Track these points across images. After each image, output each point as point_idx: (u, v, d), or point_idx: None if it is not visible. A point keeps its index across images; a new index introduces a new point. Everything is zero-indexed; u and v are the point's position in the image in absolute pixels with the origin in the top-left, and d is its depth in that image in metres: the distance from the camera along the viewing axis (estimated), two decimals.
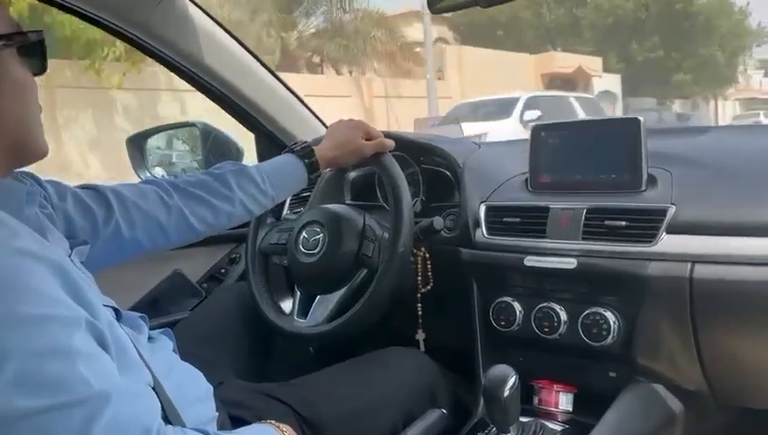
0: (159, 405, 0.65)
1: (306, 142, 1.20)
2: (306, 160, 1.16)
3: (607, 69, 26.91)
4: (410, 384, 1.10)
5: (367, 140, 1.22)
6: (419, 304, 1.26)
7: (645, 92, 29.35)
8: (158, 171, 1.66)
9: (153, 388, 0.69)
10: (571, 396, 1.15)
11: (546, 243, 1.15)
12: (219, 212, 1.04)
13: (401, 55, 17.27)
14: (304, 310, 1.25)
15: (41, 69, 0.77)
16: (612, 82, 27.24)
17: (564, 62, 23.91)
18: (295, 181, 1.17)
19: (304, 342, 1.31)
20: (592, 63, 25.33)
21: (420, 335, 1.29)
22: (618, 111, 25.92)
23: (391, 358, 1.16)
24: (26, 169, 0.80)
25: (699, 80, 29.67)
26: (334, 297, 1.22)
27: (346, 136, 1.22)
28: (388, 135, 1.27)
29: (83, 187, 0.95)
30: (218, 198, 1.04)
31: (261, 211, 1.13)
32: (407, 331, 1.29)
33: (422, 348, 1.28)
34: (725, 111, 35.74)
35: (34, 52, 0.75)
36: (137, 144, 1.64)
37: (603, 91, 26.29)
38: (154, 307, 1.50)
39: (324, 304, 1.22)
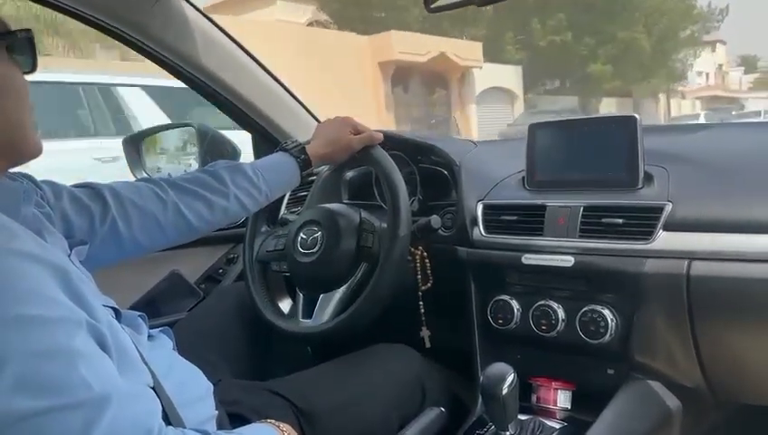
0: (160, 406, 0.65)
1: (298, 141, 1.22)
2: (299, 158, 1.18)
3: (502, 59, 21.17)
4: (398, 376, 1.11)
5: (355, 135, 1.23)
6: (421, 303, 1.26)
7: (562, 90, 24.27)
8: (155, 171, 1.66)
9: (153, 388, 0.69)
10: (569, 393, 1.15)
11: (543, 241, 1.15)
12: (215, 207, 1.05)
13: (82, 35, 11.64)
14: (308, 311, 1.25)
15: (31, 67, 0.77)
16: (509, 77, 21.15)
17: (412, 46, 16.10)
18: (288, 178, 1.18)
19: (310, 341, 1.31)
20: (464, 50, 18.08)
21: (425, 332, 1.29)
22: (515, 113, 20.40)
23: (379, 353, 1.17)
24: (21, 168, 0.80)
25: (622, 72, 23.60)
26: (336, 295, 1.22)
27: (335, 133, 1.24)
28: (384, 134, 1.28)
29: (79, 185, 0.95)
30: (213, 192, 1.05)
31: (256, 208, 1.14)
32: (408, 330, 1.29)
33: (427, 344, 1.28)
34: (681, 111, 30.84)
35: (24, 50, 0.75)
36: (133, 144, 1.64)
37: (492, 87, 20.42)
38: (152, 308, 1.50)
39: (327, 303, 1.22)
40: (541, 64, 23.02)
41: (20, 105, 0.74)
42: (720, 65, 45.90)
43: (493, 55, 20.61)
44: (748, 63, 54.83)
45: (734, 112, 22.14)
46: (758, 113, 20.30)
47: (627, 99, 27.55)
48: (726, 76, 48.49)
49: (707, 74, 42.84)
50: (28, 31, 0.76)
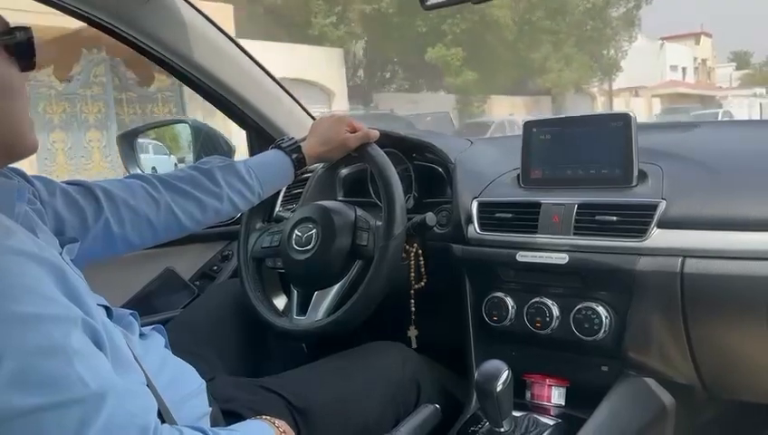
0: (155, 403, 0.65)
1: (293, 138, 1.21)
2: (293, 156, 1.17)
3: (311, 37, 14.25)
4: (393, 374, 1.11)
5: (351, 133, 1.23)
6: (412, 301, 1.27)
7: (415, 84, 15.43)
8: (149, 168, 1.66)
9: (146, 386, 0.69)
10: (563, 390, 1.16)
11: (538, 238, 1.16)
12: (207, 208, 1.05)
13: None
14: (302, 308, 1.25)
15: (29, 66, 0.76)
16: (321, 64, 14.30)
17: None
18: (282, 177, 1.18)
19: (304, 338, 1.31)
20: None
21: (412, 332, 1.29)
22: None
23: (374, 350, 1.17)
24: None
25: (477, 60, 15.64)
26: (331, 292, 1.22)
27: (331, 131, 1.23)
28: (379, 131, 1.28)
29: (71, 183, 0.95)
30: (206, 193, 1.05)
31: (247, 207, 1.15)
32: (402, 328, 1.29)
33: (414, 345, 1.28)
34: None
35: (22, 49, 0.75)
36: (128, 141, 1.64)
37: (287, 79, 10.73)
38: (146, 305, 1.50)
39: (322, 300, 1.22)
40: (375, 47, 15.44)
41: (17, 103, 0.74)
42: (704, 60, 41.11)
43: (297, 32, 13.90)
44: (741, 59, 51.32)
45: (692, 113, 18.53)
46: (716, 114, 18.38)
47: (542, 97, 21.29)
48: (713, 72, 43.66)
49: (684, 69, 37.41)
50: (27, 30, 0.75)
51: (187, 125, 1.66)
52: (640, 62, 29.45)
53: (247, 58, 1.56)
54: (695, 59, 39.58)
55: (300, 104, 1.70)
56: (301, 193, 1.56)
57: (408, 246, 1.24)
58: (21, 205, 0.75)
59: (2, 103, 0.72)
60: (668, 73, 34.72)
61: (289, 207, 1.54)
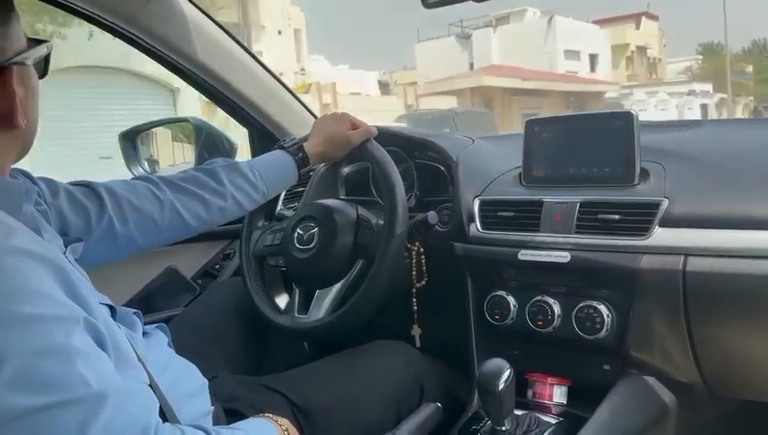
0: (157, 403, 0.65)
1: (296, 139, 1.22)
2: (297, 156, 1.18)
3: None
4: (397, 374, 1.11)
5: (352, 130, 1.24)
6: (414, 300, 1.27)
7: None
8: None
9: (149, 385, 0.69)
10: (565, 389, 1.15)
11: (540, 237, 1.16)
12: (211, 207, 1.05)
13: None
14: (304, 306, 1.25)
15: (43, 74, 0.80)
16: None
17: None
18: (286, 177, 1.18)
19: (306, 337, 1.31)
20: None
21: (416, 331, 1.29)
22: None
23: (378, 350, 1.17)
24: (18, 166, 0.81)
25: None
26: (333, 291, 1.22)
27: (332, 129, 1.24)
28: (381, 130, 1.28)
29: (75, 183, 0.95)
30: (210, 192, 1.05)
31: (253, 206, 1.14)
32: (402, 328, 1.29)
33: (417, 344, 1.29)
34: None
35: (45, 61, 0.79)
36: (129, 139, 1.63)
37: None
38: (148, 303, 1.50)
39: (323, 299, 1.22)
40: None
41: (37, 107, 0.79)
42: (640, 48, 30.87)
43: None
44: (710, 52, 39.44)
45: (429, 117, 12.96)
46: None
47: None
48: (659, 64, 32.74)
49: (593, 57, 26.59)
50: (49, 43, 0.80)
51: (189, 124, 1.66)
52: (521, 43, 23.33)
53: (249, 56, 1.56)
54: (624, 45, 29.76)
55: (302, 102, 1.70)
56: (302, 192, 1.56)
57: (409, 245, 1.24)
58: (28, 205, 0.75)
59: (35, 110, 0.77)
60: (562, 62, 24.45)
61: (291, 205, 1.54)
